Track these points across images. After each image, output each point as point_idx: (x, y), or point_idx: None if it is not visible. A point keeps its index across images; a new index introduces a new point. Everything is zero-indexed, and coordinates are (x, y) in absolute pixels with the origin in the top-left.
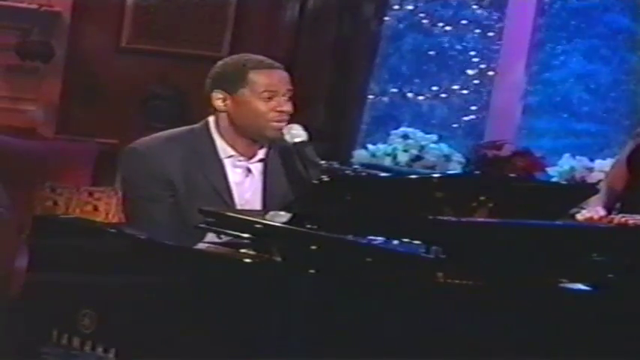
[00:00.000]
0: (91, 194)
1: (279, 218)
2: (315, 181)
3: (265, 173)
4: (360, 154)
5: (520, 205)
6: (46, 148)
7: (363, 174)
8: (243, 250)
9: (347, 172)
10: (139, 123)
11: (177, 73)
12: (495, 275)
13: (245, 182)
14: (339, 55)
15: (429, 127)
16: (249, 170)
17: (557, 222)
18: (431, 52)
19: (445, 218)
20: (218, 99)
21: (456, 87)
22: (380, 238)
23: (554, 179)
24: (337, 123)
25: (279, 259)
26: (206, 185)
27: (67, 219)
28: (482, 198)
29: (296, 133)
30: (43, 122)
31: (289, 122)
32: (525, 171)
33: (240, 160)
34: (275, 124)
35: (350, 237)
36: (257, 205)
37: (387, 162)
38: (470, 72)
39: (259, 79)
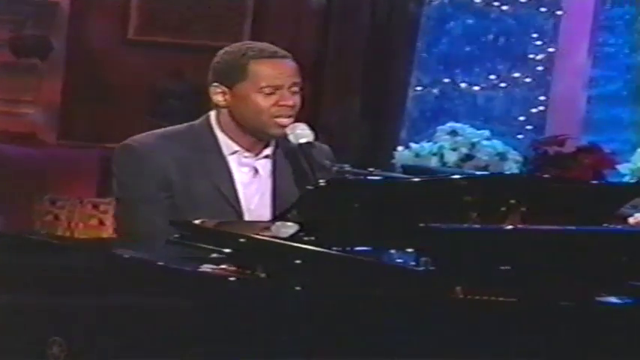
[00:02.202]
0: (95, 207)
1: (286, 229)
2: (310, 187)
3: (274, 173)
4: (402, 155)
5: (557, 209)
6: (45, 156)
7: (374, 177)
8: (223, 266)
9: (358, 175)
10: (150, 125)
11: (192, 67)
12: (518, 290)
13: (252, 183)
14: (374, 43)
15: (488, 121)
16: (256, 170)
17: (596, 227)
18: (487, 36)
19: (463, 226)
20: (217, 93)
21: (517, 75)
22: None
23: (626, 178)
24: (375, 120)
25: (263, 275)
26: (208, 186)
27: (31, 235)
28: (512, 202)
29: (301, 133)
30: (43, 127)
31: (297, 119)
32: (593, 169)
33: (246, 157)
34: (279, 120)
35: (341, 249)
36: (266, 210)
37: (434, 162)
38: (533, 57)
39: (261, 70)
